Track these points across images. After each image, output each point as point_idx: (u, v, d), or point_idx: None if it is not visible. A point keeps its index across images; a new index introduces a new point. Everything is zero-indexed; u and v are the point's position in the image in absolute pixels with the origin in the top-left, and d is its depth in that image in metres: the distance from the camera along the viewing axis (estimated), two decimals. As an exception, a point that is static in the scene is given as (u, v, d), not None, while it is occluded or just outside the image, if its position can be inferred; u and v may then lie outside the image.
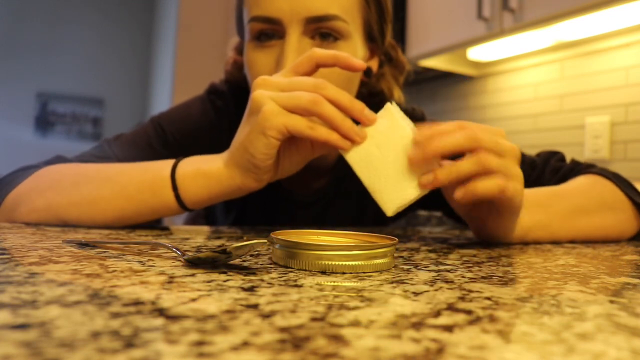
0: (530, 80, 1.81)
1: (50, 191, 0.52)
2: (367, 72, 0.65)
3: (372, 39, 0.64)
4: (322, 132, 0.43)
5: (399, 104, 0.69)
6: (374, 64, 0.67)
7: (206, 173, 0.49)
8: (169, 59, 3.20)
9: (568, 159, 0.70)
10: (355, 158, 0.43)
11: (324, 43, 0.57)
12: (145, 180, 0.50)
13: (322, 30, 0.56)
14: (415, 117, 0.69)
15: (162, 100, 3.40)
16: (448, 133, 0.40)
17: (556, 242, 0.55)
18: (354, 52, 0.59)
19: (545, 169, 0.68)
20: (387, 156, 0.42)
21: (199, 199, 0.49)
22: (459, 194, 0.41)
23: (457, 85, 2.10)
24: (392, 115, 0.43)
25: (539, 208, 0.53)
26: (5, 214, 0.53)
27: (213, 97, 0.69)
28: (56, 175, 0.54)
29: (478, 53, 1.82)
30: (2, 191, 0.55)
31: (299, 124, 0.43)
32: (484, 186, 0.40)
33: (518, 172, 0.43)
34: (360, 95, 0.64)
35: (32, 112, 3.99)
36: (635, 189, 0.62)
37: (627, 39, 1.52)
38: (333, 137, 0.43)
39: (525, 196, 0.48)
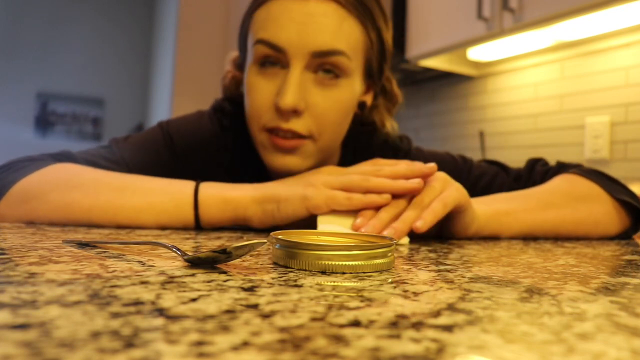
0: (530, 80, 1.81)
1: (68, 189, 0.52)
2: (361, 105, 0.67)
3: (371, 75, 0.65)
4: (358, 199, 0.51)
5: (387, 135, 0.73)
6: (368, 98, 0.68)
7: (226, 198, 0.54)
8: (169, 59, 3.20)
9: (568, 159, 0.70)
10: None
11: (325, 79, 0.58)
12: (168, 194, 0.53)
13: (325, 66, 0.58)
14: (402, 149, 0.71)
15: (162, 101, 3.39)
16: (379, 218, 0.49)
17: (525, 236, 0.57)
18: (352, 89, 0.61)
19: (532, 176, 0.69)
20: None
21: (213, 220, 0.54)
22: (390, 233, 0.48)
23: (457, 85, 2.10)
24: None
25: (502, 201, 0.58)
26: (12, 203, 0.52)
27: (220, 115, 0.69)
28: (72, 175, 0.54)
29: (478, 53, 1.82)
30: (9, 177, 0.54)
31: (339, 198, 0.51)
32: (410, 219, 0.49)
33: (444, 183, 0.51)
34: (351, 125, 0.66)
35: (32, 112, 3.99)
36: (620, 186, 0.63)
37: (627, 39, 1.52)
38: (369, 199, 0.51)
39: (489, 196, 0.58)
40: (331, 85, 0.58)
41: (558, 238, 0.58)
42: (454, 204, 0.50)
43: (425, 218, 0.47)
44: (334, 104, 0.59)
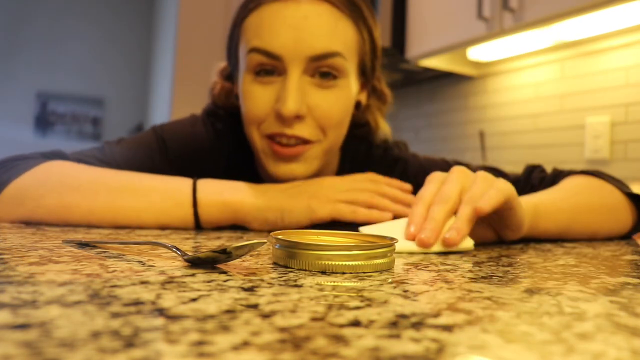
0: (530, 80, 1.81)
1: (65, 190, 0.51)
2: (356, 105, 0.67)
3: (364, 73, 0.65)
4: (363, 214, 0.53)
5: (386, 142, 0.73)
6: (363, 97, 0.68)
7: (226, 202, 0.54)
8: (169, 59, 3.20)
9: (568, 159, 0.70)
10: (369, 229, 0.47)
11: (323, 81, 0.58)
12: (167, 193, 0.53)
13: (322, 68, 0.57)
14: (401, 159, 0.72)
15: (162, 101, 3.40)
16: (432, 218, 0.41)
17: (563, 238, 0.55)
18: (350, 88, 0.61)
19: (530, 181, 0.69)
20: (394, 226, 0.46)
21: (213, 220, 0.54)
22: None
23: (457, 85, 2.10)
24: None
25: (534, 195, 0.54)
26: (8, 205, 0.51)
27: (213, 119, 0.68)
28: (68, 176, 0.53)
29: (478, 53, 1.82)
30: (2, 178, 0.53)
31: (343, 211, 0.53)
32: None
33: (496, 184, 0.44)
34: (348, 130, 0.65)
35: (32, 112, 3.99)
36: (624, 185, 0.63)
37: (627, 39, 1.52)
38: (373, 216, 0.53)
39: (532, 197, 0.52)
40: (330, 86, 0.58)
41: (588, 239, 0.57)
42: (508, 193, 0.43)
43: (486, 200, 0.41)
44: (334, 104, 0.58)
